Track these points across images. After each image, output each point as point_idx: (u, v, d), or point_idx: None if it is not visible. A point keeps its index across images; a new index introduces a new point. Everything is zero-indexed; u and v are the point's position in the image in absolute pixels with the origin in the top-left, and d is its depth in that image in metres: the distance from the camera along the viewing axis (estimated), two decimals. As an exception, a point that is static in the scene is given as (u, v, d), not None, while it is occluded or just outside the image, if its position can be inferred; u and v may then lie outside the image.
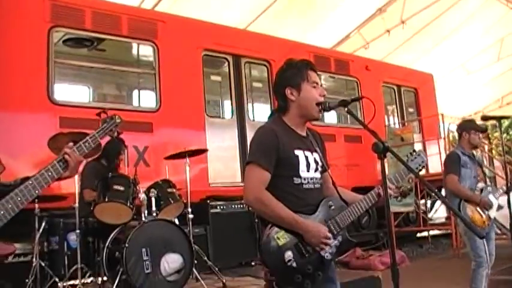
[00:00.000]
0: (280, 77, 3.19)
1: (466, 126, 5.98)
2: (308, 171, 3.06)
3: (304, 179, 3.03)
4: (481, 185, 5.76)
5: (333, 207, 3.05)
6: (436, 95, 14.48)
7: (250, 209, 3.10)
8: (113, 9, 8.36)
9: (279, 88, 3.15)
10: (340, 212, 3.04)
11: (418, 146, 12.09)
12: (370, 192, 3.09)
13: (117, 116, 3.08)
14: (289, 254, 2.83)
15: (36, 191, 2.56)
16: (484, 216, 5.57)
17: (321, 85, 3.18)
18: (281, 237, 2.85)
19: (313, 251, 2.88)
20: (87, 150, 2.79)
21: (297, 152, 3.03)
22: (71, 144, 2.71)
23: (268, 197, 2.89)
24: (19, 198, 2.52)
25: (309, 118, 3.16)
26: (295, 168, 3.00)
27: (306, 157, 3.07)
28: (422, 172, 11.93)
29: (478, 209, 5.57)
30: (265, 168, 2.92)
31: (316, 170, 3.11)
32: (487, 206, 5.58)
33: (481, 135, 5.98)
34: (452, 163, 5.80)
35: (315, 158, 3.12)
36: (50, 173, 2.61)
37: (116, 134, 3.07)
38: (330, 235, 2.90)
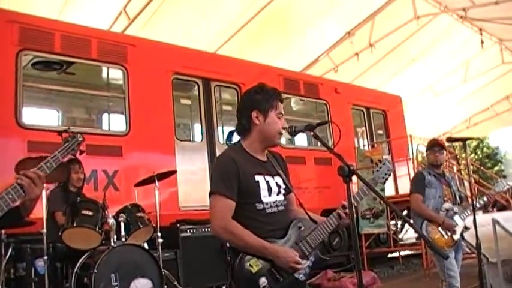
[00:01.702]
0: (249, 99, 3.20)
1: (427, 146, 6.12)
2: (270, 195, 3.09)
3: (267, 204, 3.06)
4: (447, 205, 5.74)
5: (302, 228, 3.09)
6: (405, 117, 14.65)
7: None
8: (82, 32, 8.33)
9: (246, 109, 3.17)
10: (310, 232, 3.07)
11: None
12: (333, 213, 3.13)
13: (79, 135, 3.05)
14: (263, 280, 2.87)
15: None
16: (446, 237, 5.56)
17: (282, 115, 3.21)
18: (254, 264, 2.90)
19: (287, 275, 2.92)
20: (49, 171, 2.75)
21: (258, 178, 3.07)
22: (22, 172, 2.67)
23: (235, 226, 2.93)
24: None
25: (268, 144, 3.21)
26: (256, 194, 3.04)
27: (267, 182, 3.10)
28: (392, 193, 12.13)
29: (440, 229, 5.57)
30: (228, 197, 2.97)
31: (278, 193, 3.14)
32: (450, 227, 5.57)
33: (437, 153, 5.94)
34: (416, 183, 5.89)
35: (276, 182, 3.15)
36: (10, 196, 2.58)
37: (78, 152, 3.04)
38: (299, 259, 2.93)
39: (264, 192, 3.06)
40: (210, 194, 3.04)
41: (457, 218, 5.65)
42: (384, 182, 3.42)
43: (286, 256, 2.91)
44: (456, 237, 5.62)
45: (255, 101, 3.15)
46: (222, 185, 3.00)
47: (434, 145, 6.03)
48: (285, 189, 3.18)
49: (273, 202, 3.09)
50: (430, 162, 6.02)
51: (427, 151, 6.07)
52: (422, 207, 5.67)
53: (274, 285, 2.89)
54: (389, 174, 3.44)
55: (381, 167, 3.41)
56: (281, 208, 3.12)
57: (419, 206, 5.70)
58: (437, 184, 5.81)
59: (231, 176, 2.99)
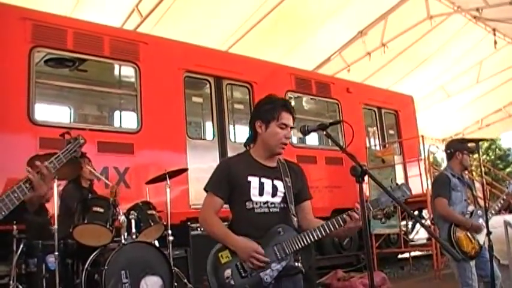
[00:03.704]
0: (256, 109, 3.44)
1: (459, 146, 5.78)
2: (261, 195, 3.25)
3: (256, 203, 3.24)
4: (471, 208, 5.56)
5: (281, 233, 3.18)
6: (417, 117, 14.59)
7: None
8: (94, 29, 8.35)
9: (252, 118, 3.38)
10: (288, 238, 3.15)
11: (398, 168, 12.16)
12: (323, 224, 3.16)
13: (80, 137, 3.12)
14: (228, 272, 3.08)
15: (3, 213, 2.56)
16: (473, 241, 5.36)
17: (292, 128, 3.34)
18: (224, 256, 3.12)
19: (252, 272, 3.07)
20: (53, 171, 2.81)
21: (250, 178, 3.26)
22: (37, 163, 2.72)
23: (210, 217, 3.25)
24: None
25: (271, 153, 3.35)
26: (246, 193, 3.24)
27: (261, 183, 3.28)
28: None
29: (468, 233, 5.37)
30: (215, 194, 3.29)
31: (274, 195, 3.28)
32: (478, 230, 5.37)
33: (470, 157, 5.78)
34: (442, 185, 5.58)
35: (275, 185, 3.30)
36: (15, 194, 2.61)
37: (79, 154, 3.09)
38: (255, 254, 3.05)
39: (254, 191, 3.25)
40: (205, 191, 3.38)
41: (480, 221, 5.45)
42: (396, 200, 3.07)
43: (246, 247, 3.07)
44: (481, 240, 5.40)
45: (260, 112, 3.36)
46: (211, 183, 3.35)
47: (474, 149, 5.82)
48: (284, 193, 3.29)
49: (264, 202, 3.25)
50: (465, 166, 5.72)
51: (464, 154, 5.69)
52: (451, 212, 5.42)
53: (238, 279, 3.06)
54: (405, 201, 3.23)
55: (392, 190, 3.15)
56: (274, 210, 3.27)
57: (447, 211, 5.42)
58: (462, 187, 5.59)
59: (222, 177, 3.30)
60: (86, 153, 3.28)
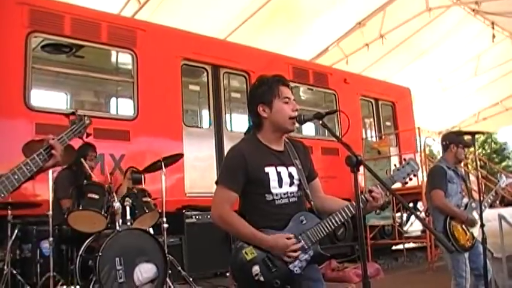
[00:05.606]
0: (253, 94, 3.28)
1: (455, 139, 5.75)
2: (280, 186, 3.10)
3: (276, 195, 3.09)
4: (465, 200, 5.57)
5: (304, 222, 3.07)
6: (413, 109, 14.59)
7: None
8: (92, 16, 8.32)
9: (252, 105, 3.22)
10: (312, 226, 3.05)
11: (394, 160, 12.17)
12: (344, 207, 3.06)
13: (86, 117, 3.03)
14: (256, 269, 2.91)
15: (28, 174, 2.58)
16: (468, 234, 5.38)
17: (294, 99, 3.20)
18: (249, 252, 2.94)
19: (281, 266, 2.93)
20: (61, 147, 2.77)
21: (268, 169, 3.09)
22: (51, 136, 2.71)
23: (229, 215, 3.02)
24: (16, 176, 2.54)
25: (283, 132, 3.20)
26: (265, 186, 3.07)
27: (279, 173, 3.12)
28: (398, 185, 12.09)
29: (463, 226, 5.38)
30: (229, 188, 3.05)
31: (291, 184, 3.14)
32: (473, 224, 5.38)
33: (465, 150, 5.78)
34: (438, 177, 5.56)
35: (290, 173, 3.15)
36: (41, 157, 2.62)
37: (85, 135, 3.03)
38: (291, 243, 2.94)
39: (273, 183, 3.08)
40: (216, 183, 3.13)
41: (474, 213, 5.45)
42: (406, 183, 3.28)
43: (278, 243, 2.93)
44: (475, 233, 5.40)
45: (258, 95, 3.21)
46: (225, 176, 3.11)
47: (470, 143, 5.78)
48: (298, 180, 3.17)
49: (284, 193, 3.10)
50: (460, 159, 5.72)
51: (459, 147, 5.67)
52: (447, 204, 5.40)
53: (266, 275, 2.91)
54: (414, 175, 3.30)
55: (403, 167, 3.27)
56: (293, 199, 3.13)
57: (444, 203, 5.40)
58: (457, 179, 5.59)
59: (237, 169, 3.06)
60: (91, 134, 3.19)
